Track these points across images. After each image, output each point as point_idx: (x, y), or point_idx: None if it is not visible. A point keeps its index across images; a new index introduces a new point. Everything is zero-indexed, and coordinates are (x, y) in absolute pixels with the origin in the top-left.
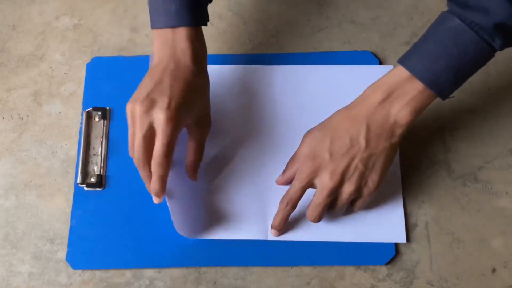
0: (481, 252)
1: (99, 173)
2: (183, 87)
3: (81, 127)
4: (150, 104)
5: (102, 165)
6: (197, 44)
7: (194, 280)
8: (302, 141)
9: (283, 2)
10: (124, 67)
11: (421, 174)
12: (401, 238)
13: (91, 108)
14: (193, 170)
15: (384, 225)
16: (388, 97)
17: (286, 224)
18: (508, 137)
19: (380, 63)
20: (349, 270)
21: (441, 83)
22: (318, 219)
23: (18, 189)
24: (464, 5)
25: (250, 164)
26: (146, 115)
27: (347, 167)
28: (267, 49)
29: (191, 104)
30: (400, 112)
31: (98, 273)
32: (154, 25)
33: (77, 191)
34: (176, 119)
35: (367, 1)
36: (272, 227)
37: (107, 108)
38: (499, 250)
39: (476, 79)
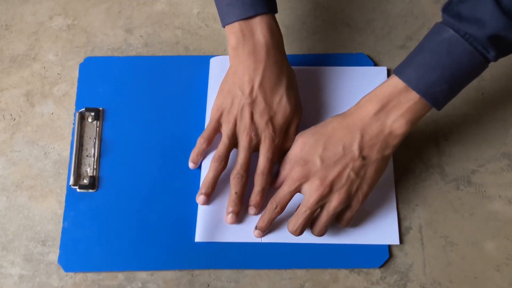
0: (474, 255)
1: (91, 174)
2: (278, 97)
3: (73, 128)
4: (255, 129)
5: (95, 167)
6: (277, 30)
7: (187, 282)
8: (295, 143)
9: (278, 5)
10: (118, 67)
11: (415, 178)
12: (394, 240)
13: (84, 109)
14: (279, 158)
15: (377, 227)
16: (383, 108)
17: (270, 226)
18: (501, 141)
19: (375, 66)
20: (343, 273)
21: (436, 93)
22: (299, 230)
23: (10, 190)
24: (458, 16)
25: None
26: (254, 138)
27: (338, 175)
28: None
29: (288, 112)
30: (396, 123)
31: (90, 276)
32: (229, 20)
33: (70, 193)
34: (279, 136)
35: (362, 4)
36: (256, 228)
37: (100, 109)
38: (492, 253)
39: (470, 84)
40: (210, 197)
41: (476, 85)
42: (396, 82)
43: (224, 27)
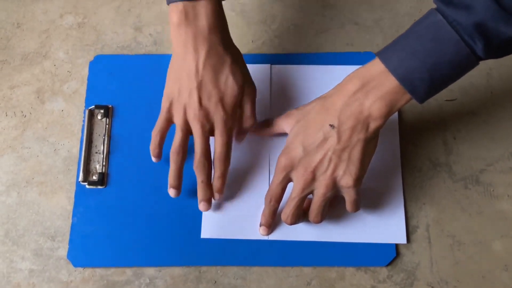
0: (482, 254)
1: (101, 171)
2: (225, 77)
3: (83, 125)
4: (205, 112)
5: (104, 163)
6: (221, 15)
7: (194, 279)
8: (284, 119)
9: (286, 3)
10: (127, 65)
11: (423, 176)
12: (401, 239)
13: (93, 106)
14: (243, 136)
15: (384, 225)
16: (362, 88)
17: (274, 221)
18: (510, 140)
19: None
20: (349, 271)
21: (414, 80)
22: (290, 218)
23: (20, 186)
24: (448, 1)
25: (250, 164)
26: (206, 122)
27: (321, 161)
28: (270, 50)
29: (237, 92)
30: (374, 105)
31: (99, 271)
32: None
33: (79, 189)
34: (231, 117)
35: (370, 3)
36: (260, 225)
37: (110, 106)
38: (500, 252)
39: (478, 82)
40: (179, 189)
41: (485, 84)
42: (378, 64)
43: (168, 4)
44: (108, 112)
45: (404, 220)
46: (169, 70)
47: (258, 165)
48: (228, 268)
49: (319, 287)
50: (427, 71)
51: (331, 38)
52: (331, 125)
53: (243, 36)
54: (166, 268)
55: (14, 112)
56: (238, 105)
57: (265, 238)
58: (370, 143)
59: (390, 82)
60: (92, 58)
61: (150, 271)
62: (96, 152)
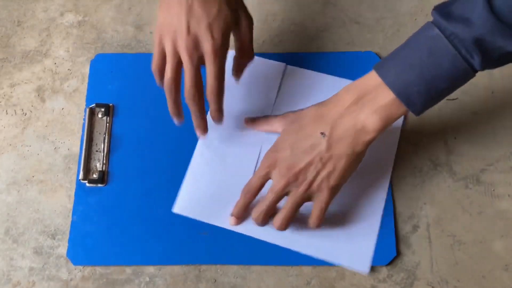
0: (482, 254)
1: (101, 169)
2: (217, 1)
3: (84, 123)
4: (194, 39)
5: (104, 162)
6: None
7: (194, 278)
8: (279, 119)
9: (287, 2)
10: (128, 64)
11: (423, 176)
12: (363, 267)
13: (94, 105)
14: (242, 70)
15: (350, 246)
16: (358, 101)
17: (245, 214)
18: (511, 140)
19: None
20: (349, 270)
21: (411, 94)
22: (262, 217)
23: (20, 184)
24: (447, 15)
25: (241, 153)
26: (194, 51)
27: (306, 165)
28: (270, 49)
29: (229, 17)
30: (369, 118)
31: (99, 269)
32: None
33: (79, 187)
34: (222, 46)
35: (371, 2)
36: (231, 215)
37: (110, 104)
38: (500, 252)
39: (479, 82)
40: (181, 115)
41: (486, 84)
42: (375, 76)
43: None
44: (108, 111)
45: (373, 246)
46: (160, 1)
47: (247, 156)
48: (228, 267)
49: (319, 286)
50: (424, 85)
51: (332, 37)
52: (322, 133)
53: None
54: (166, 267)
55: (15, 110)
56: (229, 32)
57: (231, 228)
58: (358, 157)
59: (386, 95)
60: (92, 57)
61: (150, 269)
62: (97, 151)
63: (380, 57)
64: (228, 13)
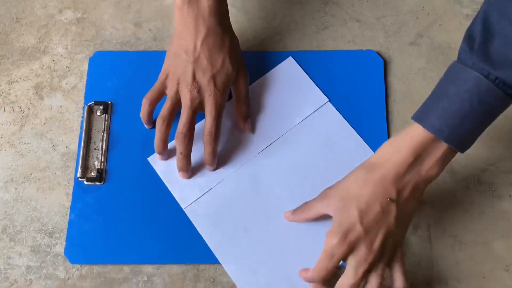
0: (483, 255)
1: (99, 167)
2: (221, 57)
3: (82, 121)
4: (198, 87)
5: (102, 160)
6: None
7: (192, 277)
8: (320, 200)
9: (287, 0)
10: (127, 61)
11: None
12: None
13: (92, 102)
14: (244, 119)
15: None
16: (416, 159)
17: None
18: None
19: (385, 62)
20: None
21: (467, 142)
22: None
23: (18, 181)
24: (487, 58)
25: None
26: (196, 96)
27: (384, 238)
28: (271, 47)
29: (230, 72)
30: (431, 171)
31: (96, 268)
32: None
33: (77, 185)
34: (222, 95)
35: (372, 0)
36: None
37: (109, 102)
38: (501, 253)
39: None
40: (165, 154)
41: None
42: (423, 132)
43: None
44: (107, 109)
45: None
46: (168, 47)
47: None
48: None
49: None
50: (478, 130)
51: (333, 36)
52: (391, 199)
53: (243, 33)
54: (164, 266)
55: (13, 108)
56: (230, 85)
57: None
58: (417, 201)
59: (442, 147)
60: (91, 54)
61: (148, 268)
62: (95, 149)
63: (381, 56)
64: (230, 68)
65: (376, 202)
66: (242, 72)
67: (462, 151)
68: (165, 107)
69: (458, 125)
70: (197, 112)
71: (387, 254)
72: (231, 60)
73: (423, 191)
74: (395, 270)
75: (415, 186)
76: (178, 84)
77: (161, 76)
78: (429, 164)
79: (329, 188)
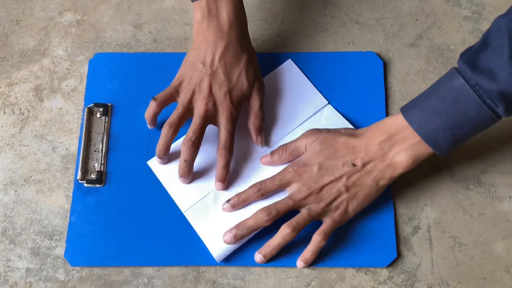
0: (483, 256)
1: (99, 169)
2: (237, 72)
3: (82, 123)
4: (213, 100)
5: (102, 162)
6: (242, 12)
7: (193, 279)
8: (303, 137)
9: (287, 1)
10: (127, 63)
11: (424, 177)
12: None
13: (92, 104)
14: (258, 132)
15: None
16: (388, 140)
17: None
18: None
19: (384, 64)
20: (350, 272)
21: (438, 138)
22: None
23: (18, 184)
24: (472, 65)
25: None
26: (210, 108)
27: (330, 183)
28: (271, 48)
29: (245, 87)
30: (397, 156)
31: (96, 270)
32: None
33: (77, 187)
34: (237, 109)
35: (372, 1)
36: (228, 201)
37: (109, 104)
38: (501, 254)
39: None
40: (165, 159)
41: None
42: (402, 119)
43: (192, 1)
44: (107, 110)
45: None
46: (186, 57)
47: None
48: (227, 268)
49: None
50: (449, 131)
51: (333, 37)
52: (353, 164)
53: None
54: (164, 268)
55: (12, 110)
56: (244, 100)
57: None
58: (379, 189)
59: (414, 137)
60: (91, 56)
61: (148, 270)
62: (95, 151)
63: (381, 57)
64: (246, 84)
65: (341, 159)
66: (258, 85)
67: (437, 150)
68: (175, 114)
69: (430, 119)
70: (208, 124)
71: (330, 206)
72: (247, 75)
73: (387, 180)
74: (326, 223)
75: (379, 165)
76: (193, 94)
77: (174, 82)
78: (398, 148)
79: (316, 130)
